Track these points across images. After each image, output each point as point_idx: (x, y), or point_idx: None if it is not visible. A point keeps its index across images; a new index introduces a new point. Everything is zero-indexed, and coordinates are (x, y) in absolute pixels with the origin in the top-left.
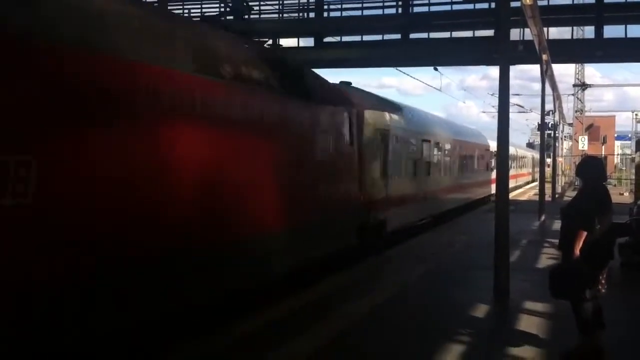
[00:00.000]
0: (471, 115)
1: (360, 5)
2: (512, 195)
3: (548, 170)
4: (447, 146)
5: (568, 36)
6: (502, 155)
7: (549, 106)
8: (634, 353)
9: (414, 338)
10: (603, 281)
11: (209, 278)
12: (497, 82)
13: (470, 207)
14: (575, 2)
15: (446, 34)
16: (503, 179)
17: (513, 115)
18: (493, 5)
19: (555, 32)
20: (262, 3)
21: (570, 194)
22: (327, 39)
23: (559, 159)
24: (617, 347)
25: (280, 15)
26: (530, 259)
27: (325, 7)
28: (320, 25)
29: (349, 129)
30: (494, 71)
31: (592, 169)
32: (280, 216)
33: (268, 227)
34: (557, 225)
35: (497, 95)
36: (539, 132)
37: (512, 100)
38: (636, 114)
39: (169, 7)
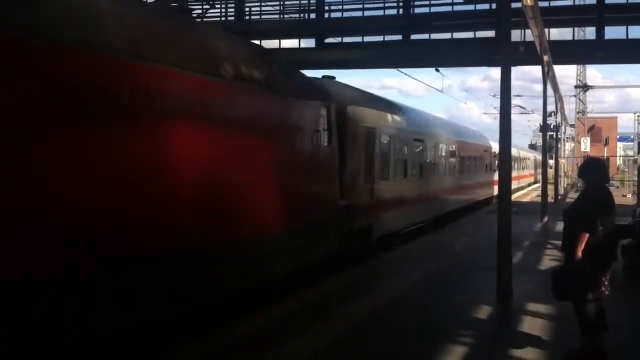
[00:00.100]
0: (473, 117)
1: (361, 6)
2: (514, 196)
3: (550, 172)
4: (444, 146)
5: (569, 37)
6: (504, 156)
7: (551, 107)
8: (636, 355)
9: (416, 339)
10: (606, 283)
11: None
12: (498, 83)
13: (471, 210)
14: (577, 3)
15: (447, 35)
16: (505, 180)
17: (515, 117)
18: (494, 6)
19: (557, 33)
20: (263, 4)
21: (573, 196)
22: (328, 40)
23: (561, 161)
24: (620, 349)
25: (281, 16)
26: (533, 261)
27: (326, 7)
28: (321, 26)
29: (326, 126)
30: (496, 72)
31: (594, 171)
32: (230, 224)
33: (212, 238)
34: (559, 226)
35: (499, 97)
36: (541, 134)
37: (514, 101)
38: (638, 116)
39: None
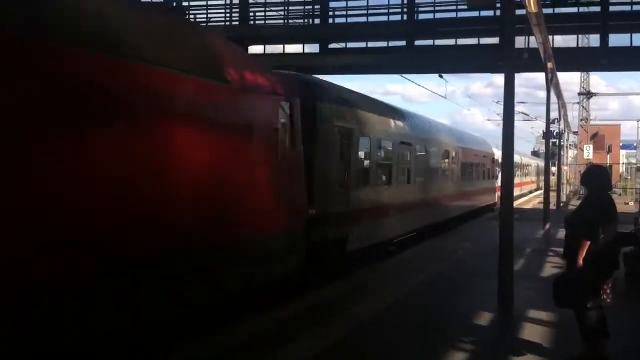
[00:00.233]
0: (476, 123)
1: (365, 12)
2: (516, 203)
3: (553, 179)
4: (439, 151)
5: (573, 44)
6: (507, 163)
7: (554, 114)
8: None
9: (416, 345)
10: (608, 290)
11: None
12: (501, 90)
13: (469, 217)
14: (581, 10)
15: (451, 41)
16: (507, 186)
17: (518, 123)
18: (498, 12)
19: (560, 40)
20: (267, 9)
21: (575, 203)
22: (332, 45)
23: (564, 168)
24: (621, 356)
25: (286, 21)
26: (534, 267)
27: (331, 13)
28: (325, 31)
29: (288, 124)
30: (499, 79)
31: (597, 178)
32: (150, 238)
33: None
34: (561, 233)
35: (502, 103)
36: (544, 140)
37: (517, 108)
38: None
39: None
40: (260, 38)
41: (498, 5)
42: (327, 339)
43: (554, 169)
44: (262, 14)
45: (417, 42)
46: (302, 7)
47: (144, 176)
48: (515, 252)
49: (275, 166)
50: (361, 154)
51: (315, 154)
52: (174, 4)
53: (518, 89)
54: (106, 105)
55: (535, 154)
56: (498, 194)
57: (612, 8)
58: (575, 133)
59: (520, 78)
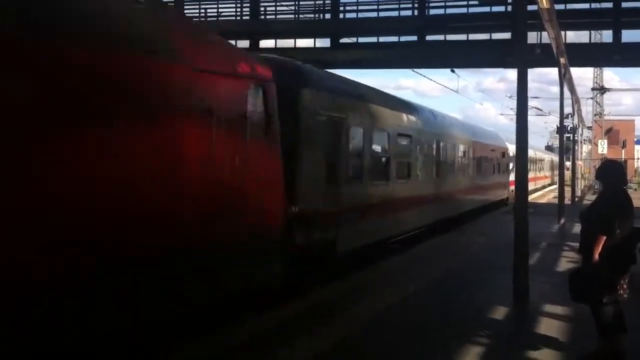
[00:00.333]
0: (489, 117)
1: (376, 7)
2: (530, 198)
3: (567, 174)
4: (443, 144)
5: (586, 39)
6: (521, 157)
7: (567, 109)
8: None
9: (431, 339)
10: (625, 286)
11: None
12: (514, 84)
13: (479, 213)
14: (593, 6)
15: (462, 37)
16: (522, 181)
17: (531, 118)
18: (509, 8)
19: (573, 36)
20: (278, 3)
21: (590, 198)
22: (343, 40)
23: (578, 163)
24: (638, 351)
25: (297, 15)
26: (550, 262)
27: (341, 8)
28: (336, 26)
29: (261, 112)
30: (512, 73)
31: (612, 173)
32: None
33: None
34: (576, 228)
35: (515, 98)
36: (557, 135)
37: (531, 103)
38: None
39: (185, 8)
40: (271, 33)
41: (509, 0)
42: (339, 336)
43: (568, 163)
44: (273, 8)
45: (428, 38)
46: (313, 2)
47: (58, 173)
48: (530, 246)
49: (241, 159)
50: (354, 147)
51: (298, 147)
52: None
53: (531, 84)
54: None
55: (549, 148)
56: (511, 188)
57: (624, 4)
58: (589, 128)
59: (533, 73)
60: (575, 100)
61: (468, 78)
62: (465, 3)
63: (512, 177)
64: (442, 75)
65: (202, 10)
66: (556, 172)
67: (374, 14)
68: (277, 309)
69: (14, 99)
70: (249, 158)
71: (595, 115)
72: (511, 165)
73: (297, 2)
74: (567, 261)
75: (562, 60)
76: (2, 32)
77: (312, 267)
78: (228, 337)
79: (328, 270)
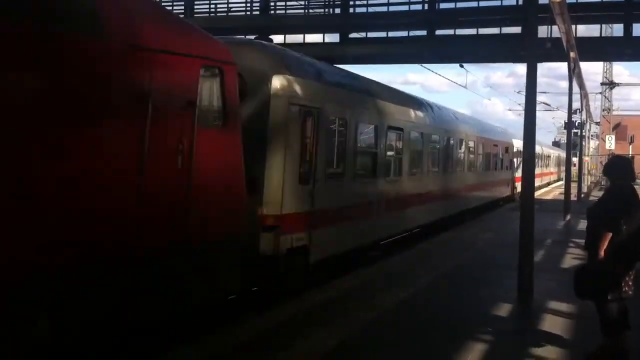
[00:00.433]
0: (497, 113)
1: (386, 1)
2: (536, 194)
3: (574, 170)
4: (439, 138)
5: (596, 33)
6: (528, 154)
7: (576, 104)
8: None
9: (436, 336)
10: (630, 283)
11: None
12: (523, 80)
13: (477, 213)
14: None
15: (472, 31)
16: (528, 177)
17: (539, 113)
18: (520, 1)
19: (583, 30)
20: None
21: (596, 194)
22: (353, 35)
23: (585, 158)
24: None
25: (306, 10)
26: (555, 259)
27: (351, 2)
28: (346, 21)
29: (215, 97)
30: (521, 68)
31: (619, 169)
32: None
33: None
34: (582, 225)
35: (524, 93)
36: (565, 131)
37: (539, 98)
38: None
39: (195, 3)
40: (281, 28)
41: None
42: (351, 327)
43: (575, 159)
44: (283, 3)
45: (438, 32)
46: None
47: None
48: (535, 243)
49: (185, 153)
50: (333, 140)
51: (266, 140)
52: None
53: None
54: None
55: (556, 144)
56: (517, 184)
57: None
58: (597, 123)
59: (542, 68)
60: (584, 95)
61: (476, 73)
62: None
63: (517, 173)
64: (450, 70)
65: (213, 6)
66: (562, 168)
67: (384, 9)
68: (278, 310)
69: None
70: (198, 152)
71: (603, 110)
72: (516, 161)
73: None
74: (572, 258)
75: (572, 54)
76: None
77: (283, 277)
78: (228, 337)
79: (302, 280)
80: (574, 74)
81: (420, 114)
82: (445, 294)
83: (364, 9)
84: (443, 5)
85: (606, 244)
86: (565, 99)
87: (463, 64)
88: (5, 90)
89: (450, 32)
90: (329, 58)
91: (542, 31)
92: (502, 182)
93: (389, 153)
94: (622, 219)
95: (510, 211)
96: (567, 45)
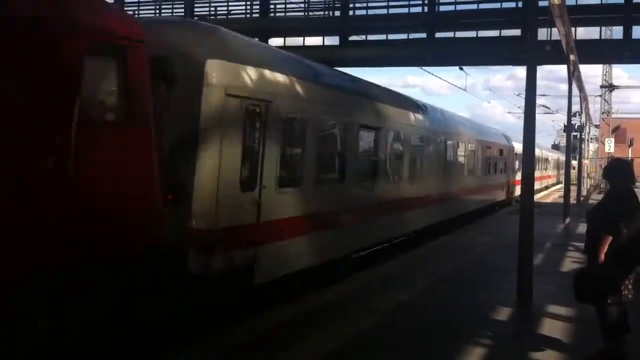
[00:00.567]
0: (496, 115)
1: (385, 4)
2: (535, 197)
3: (573, 173)
4: (419, 137)
5: (596, 36)
6: (528, 156)
7: (575, 107)
8: None
9: (435, 340)
10: (630, 286)
11: None
12: (523, 82)
13: (465, 220)
14: (604, 2)
15: (472, 33)
16: (528, 180)
17: (539, 116)
18: (520, 4)
19: (583, 32)
20: (288, 1)
21: (596, 197)
22: (353, 38)
23: (585, 161)
24: None
25: (306, 13)
26: (555, 262)
27: (351, 5)
28: (345, 23)
29: (117, 86)
30: (520, 71)
31: (619, 172)
32: None
33: None
34: (581, 228)
35: (523, 96)
36: (564, 134)
37: (538, 101)
38: None
39: (195, 6)
40: (281, 30)
41: None
42: (350, 332)
43: (574, 162)
44: (283, 6)
45: (438, 35)
46: (322, 0)
47: None
48: (535, 246)
49: (60, 154)
50: (290, 141)
51: (199, 139)
52: None
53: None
54: None
55: (555, 147)
56: (513, 187)
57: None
58: (596, 126)
59: (542, 71)
60: (584, 98)
61: (476, 76)
62: None
63: (513, 176)
64: (450, 73)
65: (212, 9)
66: (562, 172)
67: (384, 11)
68: (278, 310)
69: None
70: (79, 154)
71: (603, 113)
72: (514, 164)
73: (307, 0)
74: (571, 261)
75: (571, 57)
76: None
77: (221, 301)
78: (228, 338)
79: (246, 304)
80: (574, 76)
81: (400, 112)
82: (444, 297)
83: (363, 12)
84: (443, 8)
85: (606, 247)
86: (565, 101)
87: (463, 67)
88: None
89: (450, 34)
90: (328, 61)
91: (542, 34)
92: (496, 186)
93: (360, 155)
94: (622, 222)
95: (509, 215)
96: (566, 47)
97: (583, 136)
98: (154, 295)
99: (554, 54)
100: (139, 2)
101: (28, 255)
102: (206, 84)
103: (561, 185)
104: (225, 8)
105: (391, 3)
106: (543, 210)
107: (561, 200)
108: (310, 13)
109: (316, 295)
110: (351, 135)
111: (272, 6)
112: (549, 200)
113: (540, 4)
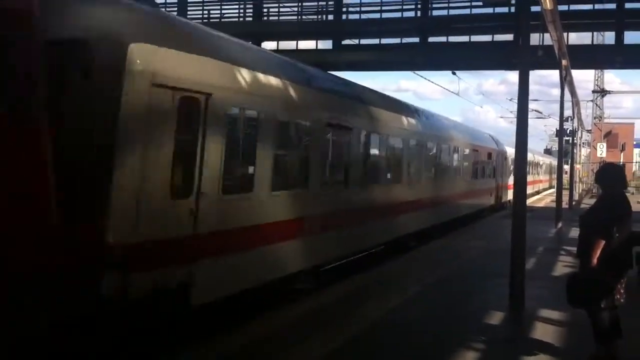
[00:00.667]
0: (489, 120)
1: (379, 8)
2: (527, 202)
3: (566, 177)
4: (397, 140)
5: (588, 41)
6: (520, 160)
7: (567, 112)
8: None
9: (428, 345)
10: (622, 290)
11: None
12: (515, 87)
13: (447, 227)
14: (596, 7)
15: (465, 38)
16: (520, 184)
17: (531, 121)
18: (512, 9)
19: (575, 37)
20: (281, 5)
21: (588, 202)
22: (346, 42)
23: (577, 166)
24: (634, 357)
25: (299, 17)
26: (547, 267)
27: (344, 9)
28: (339, 27)
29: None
30: (513, 76)
31: (611, 177)
32: None
33: None
34: (574, 232)
35: (516, 101)
36: (557, 139)
37: (531, 105)
38: None
39: (188, 10)
40: (274, 34)
41: (513, 1)
42: (340, 339)
43: (567, 167)
44: (276, 10)
45: (431, 39)
46: (315, 4)
47: None
48: (527, 250)
49: None
50: (239, 140)
51: (114, 137)
52: None
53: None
54: None
55: (547, 151)
56: (503, 192)
57: (627, 5)
58: (588, 131)
59: (534, 75)
60: (576, 103)
61: (469, 80)
62: (468, 4)
63: (503, 180)
64: (443, 77)
65: (206, 12)
66: (554, 176)
67: (377, 15)
68: (278, 312)
69: None
70: None
71: (595, 118)
72: (507, 168)
73: (300, 4)
74: (564, 266)
75: (564, 62)
76: None
77: (149, 326)
78: (229, 338)
79: (178, 330)
80: (566, 81)
81: (375, 111)
82: (436, 302)
83: (357, 16)
84: (436, 13)
85: (598, 252)
86: (557, 106)
87: (455, 71)
88: None
89: (443, 39)
90: (322, 64)
91: (534, 39)
92: (482, 192)
93: (327, 157)
94: (614, 226)
95: (501, 219)
96: (559, 52)
97: (575, 141)
98: (50, 329)
99: (546, 59)
100: None
101: None
102: (128, 72)
103: (553, 190)
104: (219, 11)
105: (384, 7)
106: (535, 215)
107: (553, 205)
108: (304, 17)
109: (310, 299)
110: (317, 135)
111: (265, 10)
112: (541, 204)
113: (533, 9)
